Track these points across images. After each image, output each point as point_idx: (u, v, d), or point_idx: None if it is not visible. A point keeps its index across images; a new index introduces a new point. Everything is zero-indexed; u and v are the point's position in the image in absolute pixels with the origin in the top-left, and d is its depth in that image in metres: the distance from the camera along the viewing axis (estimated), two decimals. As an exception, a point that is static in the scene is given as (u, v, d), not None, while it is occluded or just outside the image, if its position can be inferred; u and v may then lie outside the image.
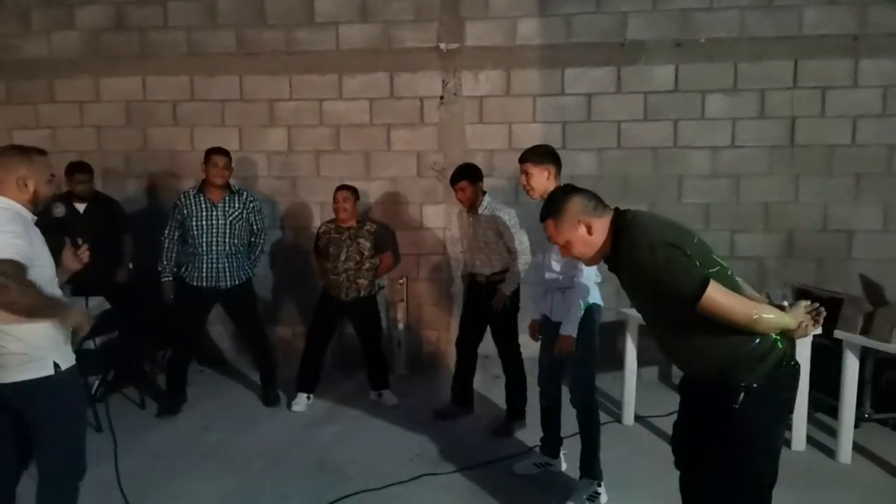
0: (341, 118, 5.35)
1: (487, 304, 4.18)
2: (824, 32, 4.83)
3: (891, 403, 4.16)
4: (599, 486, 3.27)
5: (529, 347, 4.04)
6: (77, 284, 3.94)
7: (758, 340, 2.08)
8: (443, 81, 5.23)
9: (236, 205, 4.52)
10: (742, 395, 2.06)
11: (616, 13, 4.99)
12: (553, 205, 2.28)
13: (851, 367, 3.68)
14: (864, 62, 4.82)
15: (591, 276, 3.21)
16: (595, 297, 3.31)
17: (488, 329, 4.35)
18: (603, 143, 5.10)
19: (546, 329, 3.52)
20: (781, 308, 2.15)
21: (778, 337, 2.10)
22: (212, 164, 4.42)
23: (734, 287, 2.10)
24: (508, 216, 4.09)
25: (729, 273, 2.13)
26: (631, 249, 2.07)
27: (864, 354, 3.78)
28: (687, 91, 4.99)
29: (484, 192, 4.20)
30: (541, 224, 2.33)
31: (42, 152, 2.50)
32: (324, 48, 5.28)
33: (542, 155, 3.26)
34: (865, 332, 3.59)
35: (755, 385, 2.06)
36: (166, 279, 4.55)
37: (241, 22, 5.33)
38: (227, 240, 4.47)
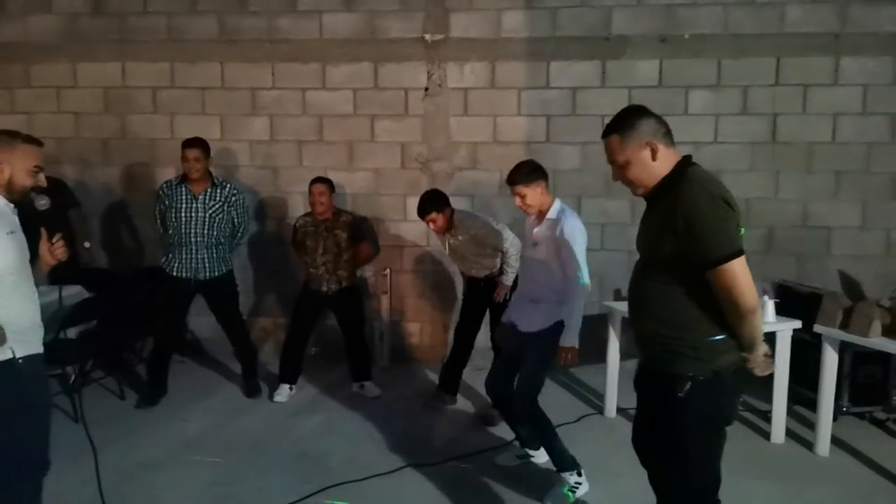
0: (325, 108, 5.30)
1: (486, 296, 4.23)
2: (806, 30, 4.87)
3: (868, 397, 4.22)
4: (579, 475, 3.27)
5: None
6: (52, 271, 3.86)
7: (721, 337, 2.05)
8: (427, 73, 5.20)
9: (218, 198, 4.45)
10: (688, 384, 2.04)
11: (601, 7, 5.00)
12: (623, 119, 2.15)
13: (830, 361, 3.72)
14: (844, 60, 4.87)
15: (585, 284, 3.18)
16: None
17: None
18: (587, 137, 5.10)
19: (510, 336, 3.50)
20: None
21: (737, 349, 2.08)
22: (183, 157, 4.34)
23: None
24: (483, 227, 4.12)
25: None
26: (692, 190, 2.00)
27: (843, 349, 3.82)
28: (671, 86, 5.02)
29: (452, 211, 4.17)
30: (601, 140, 2.21)
31: (35, 142, 2.42)
32: (307, 36, 5.23)
33: (530, 174, 3.25)
34: (844, 326, 3.62)
35: (701, 378, 2.04)
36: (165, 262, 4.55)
37: (223, 8, 5.26)
38: (205, 231, 4.40)
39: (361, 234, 4.67)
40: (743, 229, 2.05)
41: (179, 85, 5.38)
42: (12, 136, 2.38)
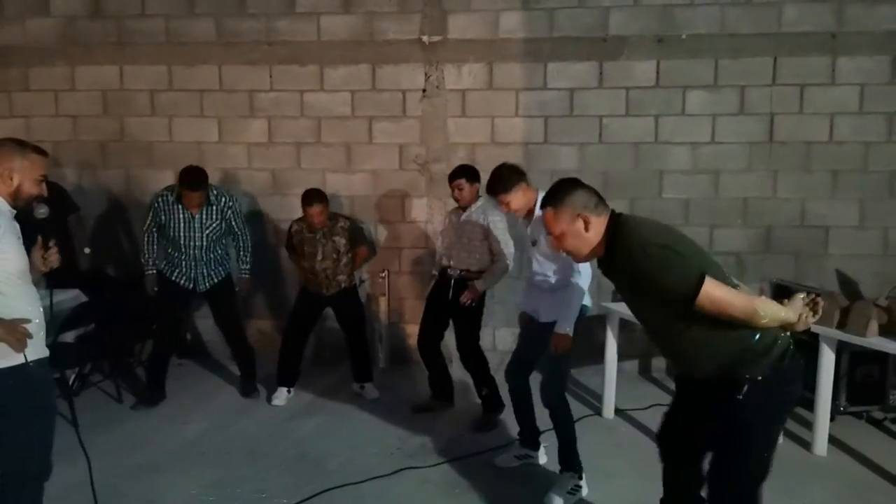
0: (323, 110, 5.30)
1: (452, 300, 4.13)
2: (803, 30, 4.87)
3: (865, 396, 4.23)
4: (580, 478, 3.29)
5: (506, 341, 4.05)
6: (50, 275, 3.87)
7: (758, 336, 2.09)
8: (425, 74, 5.20)
9: (214, 216, 4.44)
10: (746, 386, 2.07)
11: (598, 8, 5.00)
12: (555, 194, 2.27)
13: (827, 360, 3.72)
14: (841, 60, 4.88)
15: (587, 277, 3.18)
16: (586, 298, 3.32)
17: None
18: (584, 138, 5.11)
19: (527, 327, 3.52)
20: (780, 302, 2.17)
21: (780, 331, 2.13)
22: (185, 199, 4.31)
23: (730, 286, 2.10)
24: (500, 219, 4.07)
25: (724, 273, 2.14)
26: (624, 252, 2.09)
27: (840, 348, 3.83)
28: (668, 87, 5.02)
29: (479, 195, 4.14)
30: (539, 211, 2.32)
31: (42, 152, 2.47)
32: (305, 39, 5.23)
33: (508, 179, 3.28)
34: (841, 326, 3.64)
35: (759, 377, 2.08)
36: (149, 272, 4.52)
37: (221, 11, 5.26)
38: (203, 246, 4.43)
39: (359, 237, 4.68)
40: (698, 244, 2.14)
41: (178, 87, 5.38)
42: (22, 145, 2.43)
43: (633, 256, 2.06)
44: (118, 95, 5.43)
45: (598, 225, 2.21)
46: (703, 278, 1.99)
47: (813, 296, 2.17)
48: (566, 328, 3.18)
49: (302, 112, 5.32)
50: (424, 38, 5.15)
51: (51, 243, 2.58)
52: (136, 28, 5.33)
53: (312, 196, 4.35)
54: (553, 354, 3.23)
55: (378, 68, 5.23)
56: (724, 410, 2.14)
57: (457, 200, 4.16)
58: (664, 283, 2.03)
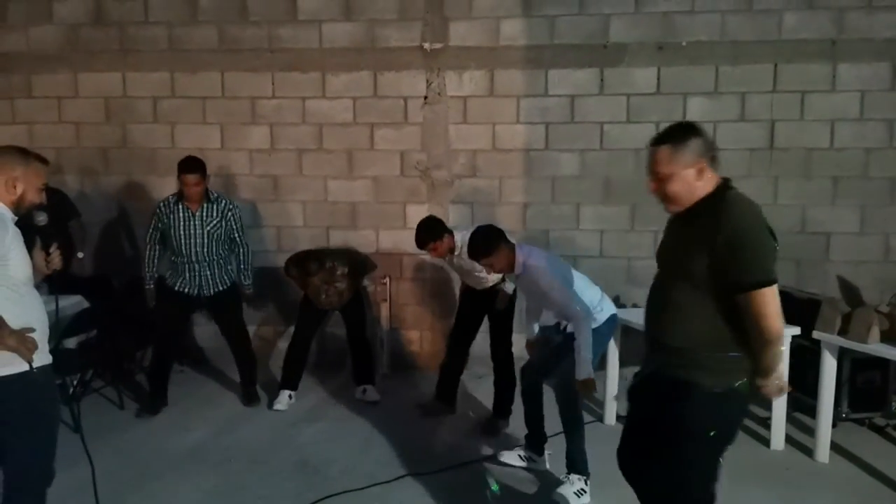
0: (324, 117, 5.31)
1: (486, 302, 4.20)
2: (803, 37, 4.89)
3: (867, 403, 4.22)
4: (586, 482, 3.28)
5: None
6: (51, 281, 3.88)
7: (740, 356, 2.07)
8: (427, 81, 5.22)
9: (214, 213, 4.45)
10: (701, 393, 2.06)
11: (599, 15, 5.02)
12: (677, 133, 2.14)
13: (829, 367, 3.72)
14: (842, 66, 4.89)
15: (590, 320, 3.21)
16: (609, 308, 3.39)
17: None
18: (585, 145, 5.12)
19: (547, 333, 3.55)
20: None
21: (747, 373, 2.10)
22: (183, 182, 4.33)
23: None
24: None
25: None
26: (739, 213, 2.02)
27: (842, 355, 3.82)
28: (669, 93, 5.03)
29: (452, 234, 4.09)
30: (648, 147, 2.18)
31: (43, 160, 2.51)
32: (307, 46, 5.25)
33: (488, 244, 3.32)
34: (843, 332, 3.63)
35: (716, 390, 2.06)
36: (149, 287, 4.53)
37: (223, 18, 5.28)
38: (206, 248, 4.43)
39: (358, 274, 4.68)
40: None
41: (180, 94, 5.40)
42: (26, 153, 2.46)
43: (748, 223, 1.99)
44: (121, 102, 5.44)
45: (710, 178, 2.11)
46: (775, 282, 1.98)
47: (782, 383, 2.18)
48: (587, 373, 3.15)
49: (304, 119, 5.34)
50: (426, 45, 5.17)
51: (52, 247, 2.60)
52: (139, 35, 5.35)
53: (310, 265, 4.45)
54: (583, 396, 3.27)
55: (379, 75, 5.24)
56: (673, 415, 2.11)
57: (438, 257, 4.19)
58: (743, 257, 1.97)
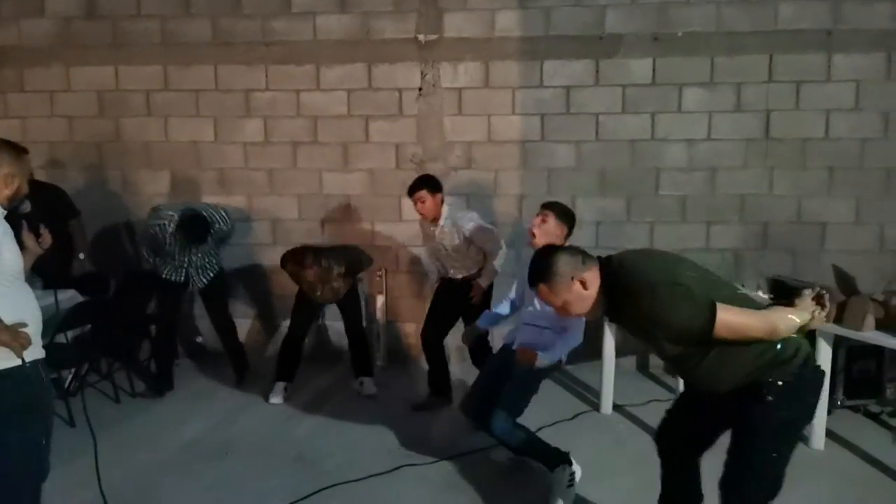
0: (319, 109, 5.29)
1: (461, 298, 4.17)
2: (799, 27, 4.88)
3: (862, 391, 4.23)
4: (570, 464, 3.25)
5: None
6: (46, 277, 3.88)
7: (780, 345, 2.08)
8: (421, 73, 5.20)
9: (210, 241, 4.66)
10: (773, 389, 2.06)
11: (594, 6, 5.00)
12: (542, 269, 2.20)
13: (824, 355, 3.72)
14: (837, 57, 4.88)
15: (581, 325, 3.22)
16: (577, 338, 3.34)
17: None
18: (581, 136, 5.11)
19: (498, 356, 3.52)
20: (791, 304, 2.16)
21: (800, 339, 2.12)
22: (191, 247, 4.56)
23: (745, 302, 2.10)
24: (472, 221, 4.09)
25: (738, 289, 2.16)
26: (630, 298, 2.05)
27: (837, 343, 3.83)
28: (664, 84, 5.02)
29: (442, 202, 4.13)
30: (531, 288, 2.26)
31: (26, 151, 2.56)
32: (301, 38, 5.22)
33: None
34: (838, 321, 3.63)
35: (781, 382, 2.06)
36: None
37: (216, 11, 5.25)
38: (197, 257, 4.64)
39: (355, 273, 4.67)
40: (700, 266, 2.15)
41: (173, 88, 5.37)
42: (14, 146, 2.46)
43: (641, 302, 2.02)
44: (114, 96, 5.41)
45: (593, 278, 2.15)
46: (714, 307, 1.96)
47: (818, 289, 2.18)
48: (544, 355, 3.17)
49: (298, 112, 5.31)
50: (420, 36, 5.15)
51: (41, 227, 2.64)
52: (132, 29, 5.32)
53: (305, 259, 4.37)
54: (518, 371, 3.24)
55: (374, 67, 5.22)
56: (745, 412, 2.12)
57: (421, 214, 4.16)
58: (678, 322, 2.00)
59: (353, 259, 4.60)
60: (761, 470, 2.16)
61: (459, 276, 4.22)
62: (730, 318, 1.97)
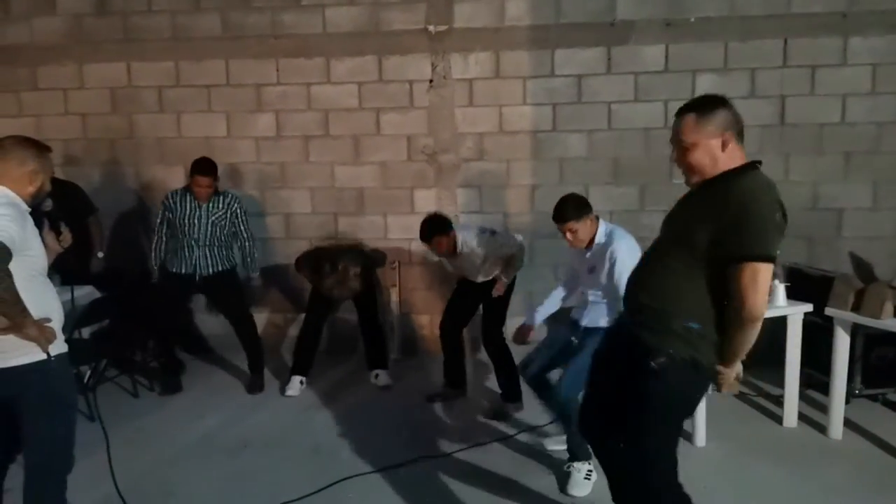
0: (330, 102, 5.29)
1: (482, 292, 4.19)
2: (813, 10, 4.81)
3: (881, 379, 4.19)
4: (590, 463, 3.27)
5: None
6: (64, 274, 3.92)
7: (713, 333, 2.05)
8: (432, 64, 5.18)
9: (220, 206, 4.56)
10: (664, 359, 2.04)
11: (605, -7, 4.96)
12: (705, 102, 2.11)
13: (842, 343, 3.69)
14: (853, 40, 4.81)
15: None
16: None
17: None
18: (593, 125, 5.08)
19: (564, 331, 3.47)
20: None
21: (715, 354, 2.09)
22: (196, 183, 4.43)
23: None
24: (490, 244, 4.10)
25: None
26: (755, 188, 1.98)
27: (855, 331, 3.79)
28: (677, 71, 4.97)
29: (454, 238, 4.12)
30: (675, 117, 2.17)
31: (50, 149, 2.56)
32: (311, 31, 5.22)
33: (577, 209, 3.22)
34: (856, 308, 3.59)
35: (679, 358, 2.04)
36: (154, 268, 4.71)
37: (226, 5, 5.26)
38: (207, 233, 4.52)
39: (372, 272, 4.71)
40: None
41: (185, 83, 5.39)
42: (38, 144, 2.51)
43: (761, 198, 1.95)
44: (126, 92, 5.44)
45: (734, 153, 2.06)
46: (772, 260, 1.93)
47: (740, 378, 2.17)
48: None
49: (309, 105, 5.32)
50: (430, 27, 5.13)
51: (61, 226, 2.67)
52: (143, 24, 5.34)
53: (323, 267, 4.49)
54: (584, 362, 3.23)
55: (384, 59, 5.21)
56: (635, 379, 2.11)
57: (440, 254, 4.21)
58: (747, 228, 1.92)
59: (369, 258, 4.62)
60: (646, 439, 2.14)
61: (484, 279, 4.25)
62: (762, 276, 1.93)
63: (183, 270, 4.54)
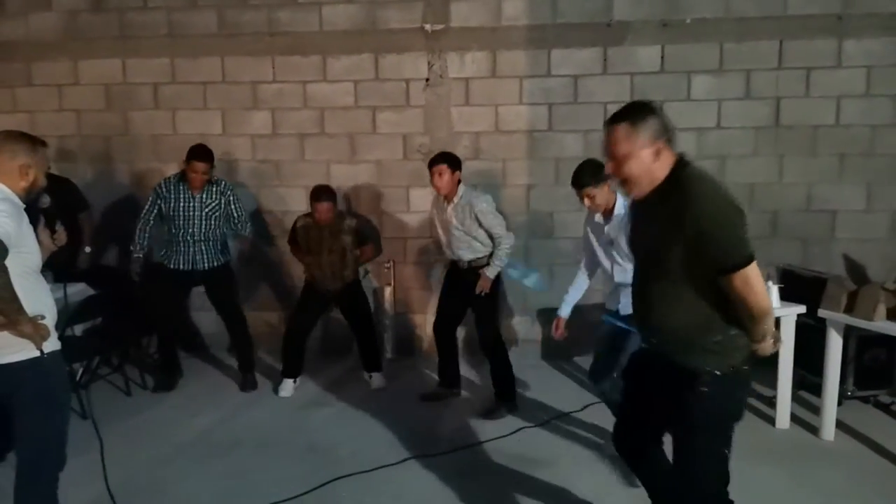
0: (326, 100, 5.29)
1: (469, 287, 4.13)
2: (809, 12, 4.82)
3: (873, 381, 4.22)
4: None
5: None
6: (55, 270, 3.90)
7: (735, 332, 2.05)
8: (428, 63, 5.18)
9: (214, 195, 4.53)
10: (709, 378, 2.03)
11: (602, -7, 4.96)
12: (635, 111, 2.04)
13: (835, 345, 3.71)
14: (847, 42, 4.83)
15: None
16: None
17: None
18: (589, 125, 5.07)
19: (609, 324, 3.45)
20: None
21: (747, 340, 2.08)
22: (192, 169, 4.39)
23: None
24: (486, 203, 4.06)
25: None
26: (703, 193, 1.95)
27: (848, 332, 3.81)
28: (673, 72, 4.98)
29: (459, 182, 4.12)
30: (605, 128, 2.08)
31: (45, 144, 2.53)
32: (307, 29, 5.21)
33: (597, 174, 3.18)
34: (849, 310, 3.61)
35: (718, 373, 2.03)
36: (137, 256, 4.61)
37: (222, 2, 5.24)
38: (202, 227, 4.49)
39: (365, 237, 4.68)
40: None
41: (180, 80, 5.37)
42: (32, 139, 2.48)
43: (714, 203, 1.93)
44: (121, 89, 5.42)
45: (667, 161, 2.02)
46: (753, 259, 1.94)
47: (778, 337, 2.15)
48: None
49: (305, 103, 5.31)
50: (427, 26, 5.12)
51: (56, 224, 2.65)
52: (138, 21, 5.32)
53: (321, 192, 4.36)
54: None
55: (381, 58, 5.20)
56: (680, 403, 2.08)
57: (436, 188, 4.11)
58: (718, 240, 1.92)
59: (363, 225, 4.59)
60: (697, 465, 2.13)
61: (466, 261, 4.18)
62: (753, 276, 1.94)
63: (181, 267, 4.53)
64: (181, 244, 4.50)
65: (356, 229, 4.57)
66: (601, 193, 3.23)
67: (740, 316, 2.02)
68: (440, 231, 4.29)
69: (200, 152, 4.41)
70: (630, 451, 2.45)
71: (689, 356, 2.07)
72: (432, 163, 4.08)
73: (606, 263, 3.39)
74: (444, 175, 4.02)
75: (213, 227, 4.53)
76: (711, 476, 2.14)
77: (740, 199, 1.99)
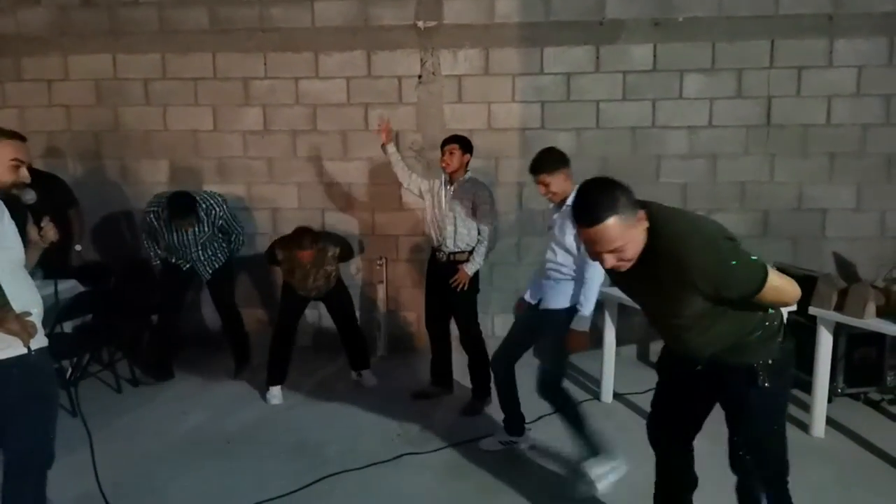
0: (318, 97, 5.27)
1: (446, 286, 4.13)
2: (800, 12, 4.84)
3: (863, 378, 4.24)
4: (614, 458, 3.24)
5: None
6: (45, 267, 3.87)
7: (768, 315, 2.13)
8: (421, 60, 5.17)
9: (206, 227, 4.58)
10: (765, 371, 2.10)
11: (595, -9, 4.96)
12: (615, 199, 1.89)
13: (825, 342, 3.73)
14: (838, 42, 4.85)
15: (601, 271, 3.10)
16: None
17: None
18: (581, 123, 5.09)
19: (524, 315, 3.50)
20: None
21: (777, 310, 2.18)
22: (176, 224, 4.48)
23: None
24: (489, 195, 4.07)
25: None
26: (690, 251, 1.91)
27: (838, 330, 3.84)
28: (665, 70, 4.99)
29: (468, 169, 4.14)
30: (585, 228, 1.94)
31: (15, 136, 2.41)
32: (299, 25, 5.18)
33: (555, 161, 3.23)
34: (839, 308, 3.64)
35: (770, 361, 2.11)
36: (155, 264, 4.82)
37: (214, -2, 5.22)
38: (199, 251, 4.67)
39: (347, 255, 4.62)
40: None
41: (171, 76, 5.34)
42: (10, 134, 2.39)
43: (705, 258, 1.90)
44: (112, 85, 5.38)
45: (644, 223, 1.96)
46: (767, 270, 1.95)
47: None
48: (585, 325, 3.16)
49: (297, 100, 5.29)
50: (420, 23, 5.11)
51: (44, 220, 2.57)
52: (129, 16, 5.28)
53: (303, 239, 4.17)
54: (554, 345, 3.24)
55: (373, 54, 5.19)
56: (740, 395, 2.16)
57: (444, 166, 4.09)
58: (737, 279, 1.93)
59: (346, 243, 4.57)
60: (768, 445, 2.21)
61: (448, 252, 4.14)
62: (776, 282, 1.97)
63: (184, 266, 4.69)
64: (181, 259, 4.68)
65: (338, 256, 4.46)
66: (556, 181, 3.20)
67: (775, 306, 2.12)
68: (432, 209, 4.23)
69: (179, 211, 4.36)
70: (665, 446, 2.51)
71: (739, 356, 2.14)
72: (445, 142, 4.13)
73: (549, 251, 3.35)
74: (455, 154, 4.07)
75: (209, 244, 4.69)
76: (783, 453, 2.24)
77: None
